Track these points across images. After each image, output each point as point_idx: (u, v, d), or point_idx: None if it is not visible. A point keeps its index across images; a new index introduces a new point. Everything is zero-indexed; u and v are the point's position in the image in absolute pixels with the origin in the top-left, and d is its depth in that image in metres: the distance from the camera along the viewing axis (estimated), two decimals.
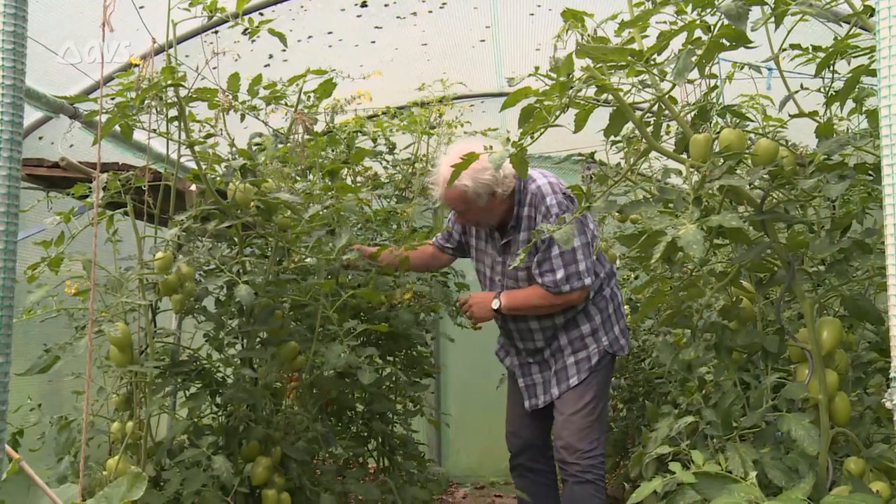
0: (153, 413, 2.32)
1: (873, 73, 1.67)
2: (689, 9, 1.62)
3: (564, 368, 3.04)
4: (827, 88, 1.84)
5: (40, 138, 3.36)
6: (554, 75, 1.65)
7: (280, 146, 2.82)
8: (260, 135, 2.83)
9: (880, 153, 1.19)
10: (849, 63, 1.78)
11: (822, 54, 1.79)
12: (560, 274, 2.85)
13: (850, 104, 1.89)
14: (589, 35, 1.77)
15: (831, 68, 1.80)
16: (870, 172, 1.75)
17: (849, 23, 1.71)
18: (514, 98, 1.73)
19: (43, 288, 2.22)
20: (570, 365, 3.03)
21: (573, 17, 1.77)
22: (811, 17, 1.67)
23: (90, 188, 2.36)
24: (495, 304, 2.98)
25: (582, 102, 1.69)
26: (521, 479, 3.31)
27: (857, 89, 1.81)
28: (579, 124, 1.77)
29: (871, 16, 1.40)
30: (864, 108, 1.92)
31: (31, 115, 3.14)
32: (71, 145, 3.05)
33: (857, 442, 1.79)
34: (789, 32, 1.75)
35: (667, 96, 1.74)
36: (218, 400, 2.58)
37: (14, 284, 1.13)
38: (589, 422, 2.99)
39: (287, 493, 2.50)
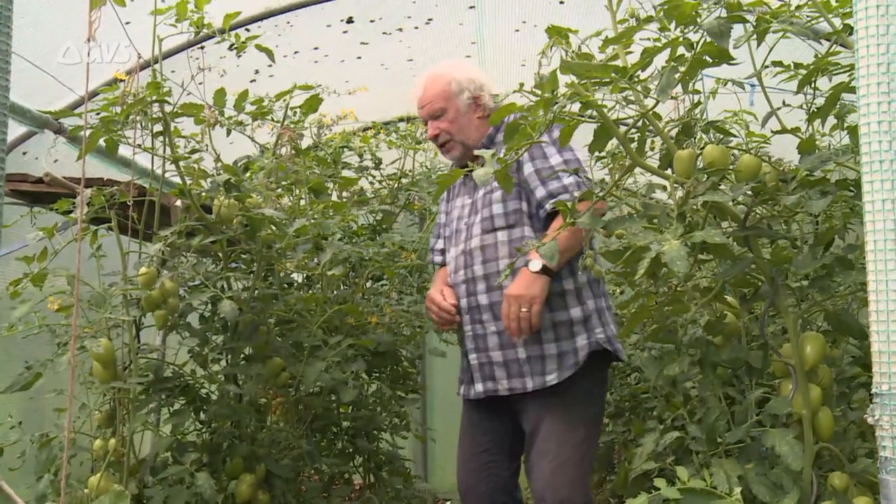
0: (136, 430, 2.30)
1: (853, 90, 1.69)
2: (672, 26, 1.63)
3: (542, 358, 2.35)
4: (809, 105, 1.86)
5: (24, 153, 3.35)
6: (539, 91, 1.66)
7: (266, 161, 2.82)
8: (249, 157, 2.82)
9: (860, 169, 1.20)
10: (830, 80, 1.80)
11: (803, 71, 1.81)
12: (569, 179, 2.30)
13: (831, 120, 1.90)
14: (573, 51, 1.79)
15: (813, 85, 1.82)
16: (851, 188, 1.76)
17: (829, 41, 1.72)
18: (500, 114, 1.74)
19: (26, 304, 2.20)
20: (550, 357, 2.34)
21: (557, 34, 1.78)
22: (792, 35, 1.68)
23: (74, 203, 2.34)
24: (535, 267, 2.24)
25: (566, 118, 1.70)
26: None
27: (838, 106, 1.83)
28: (564, 140, 1.77)
29: (851, 34, 1.41)
30: (845, 125, 1.94)
31: (16, 129, 3.13)
32: (55, 160, 3.03)
33: (841, 457, 1.79)
34: (771, 50, 1.76)
35: (651, 112, 1.75)
36: (202, 416, 2.56)
37: None
38: (581, 471, 2.32)
39: None
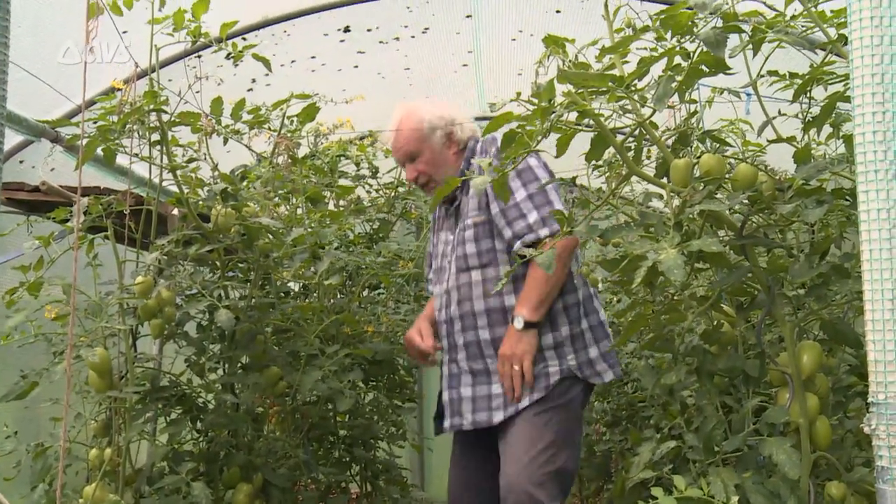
0: (132, 439, 2.30)
1: (849, 100, 1.69)
2: (668, 35, 1.64)
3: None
4: (805, 114, 1.86)
5: (21, 162, 3.35)
6: (536, 100, 1.67)
7: (262, 169, 2.82)
8: (246, 166, 2.82)
9: (856, 179, 1.20)
10: (825, 89, 1.81)
11: (798, 81, 1.81)
12: (534, 217, 2.30)
13: (827, 129, 1.91)
14: (570, 61, 1.79)
15: (808, 94, 1.83)
16: (846, 197, 1.76)
17: (824, 50, 1.73)
18: (497, 123, 1.74)
19: (21, 313, 2.20)
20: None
21: (554, 43, 1.79)
22: (788, 45, 1.69)
23: (71, 212, 2.34)
24: (518, 324, 2.29)
25: (563, 127, 1.70)
26: None
27: (833, 115, 1.83)
28: (561, 149, 1.78)
29: (845, 44, 1.42)
30: (840, 134, 1.94)
31: (13, 138, 3.13)
32: (52, 169, 3.04)
33: (838, 466, 1.79)
34: (767, 59, 1.77)
35: (647, 121, 1.75)
36: (199, 426, 2.56)
37: None
38: (545, 473, 2.27)
39: None
